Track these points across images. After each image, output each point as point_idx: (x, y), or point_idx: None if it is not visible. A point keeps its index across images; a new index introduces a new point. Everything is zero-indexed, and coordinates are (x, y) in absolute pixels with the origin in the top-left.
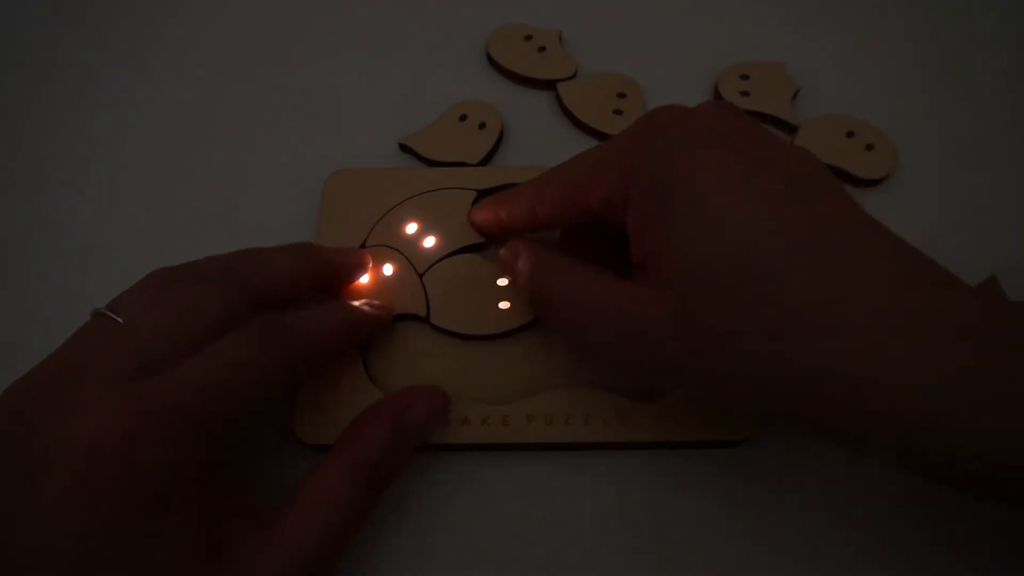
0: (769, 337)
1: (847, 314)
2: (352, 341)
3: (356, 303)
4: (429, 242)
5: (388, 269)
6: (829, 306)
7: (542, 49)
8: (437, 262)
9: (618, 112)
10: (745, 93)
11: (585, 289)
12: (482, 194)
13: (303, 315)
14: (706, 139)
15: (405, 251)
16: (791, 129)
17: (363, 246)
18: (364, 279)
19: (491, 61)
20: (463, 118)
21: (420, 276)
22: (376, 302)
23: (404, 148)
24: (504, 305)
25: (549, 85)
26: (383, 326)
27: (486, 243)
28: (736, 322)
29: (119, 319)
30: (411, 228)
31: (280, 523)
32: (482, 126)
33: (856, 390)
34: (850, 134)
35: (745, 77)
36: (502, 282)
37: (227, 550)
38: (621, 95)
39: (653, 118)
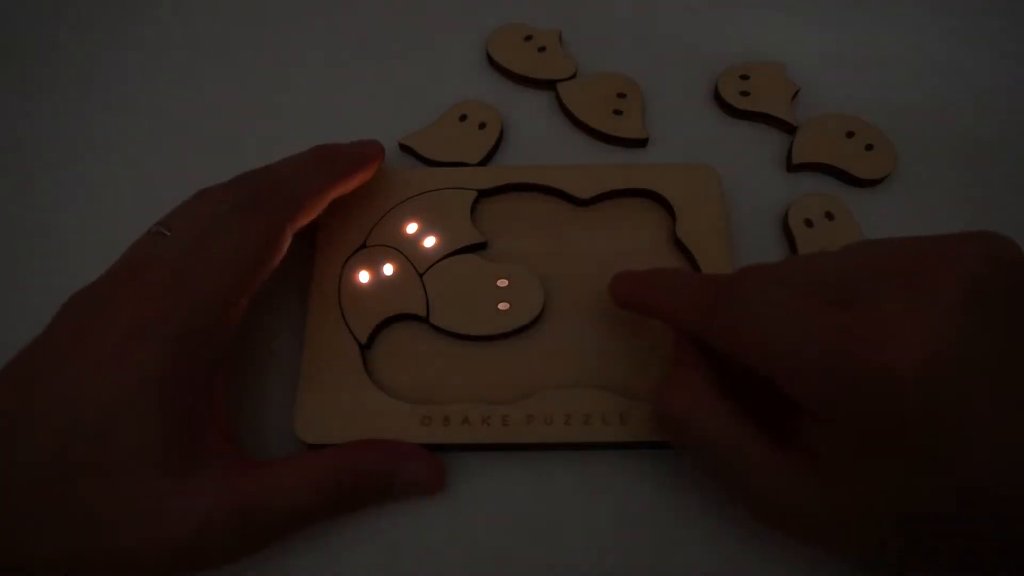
0: None
1: None
2: (338, 175)
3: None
4: (429, 242)
5: (388, 269)
6: None
7: (542, 49)
8: (437, 262)
9: (618, 112)
10: (745, 93)
11: (741, 457)
12: (482, 194)
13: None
14: (960, 398)
15: (405, 251)
16: (791, 129)
17: (363, 246)
18: (364, 278)
19: (491, 61)
20: (463, 118)
21: (420, 276)
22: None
23: (404, 148)
24: (503, 306)
25: (549, 85)
26: (374, 158)
27: (487, 243)
28: None
29: (166, 232)
30: (411, 228)
31: (245, 471)
32: (482, 126)
33: None
34: (850, 134)
35: (745, 77)
36: (502, 283)
37: (191, 462)
38: (621, 95)
39: (890, 365)
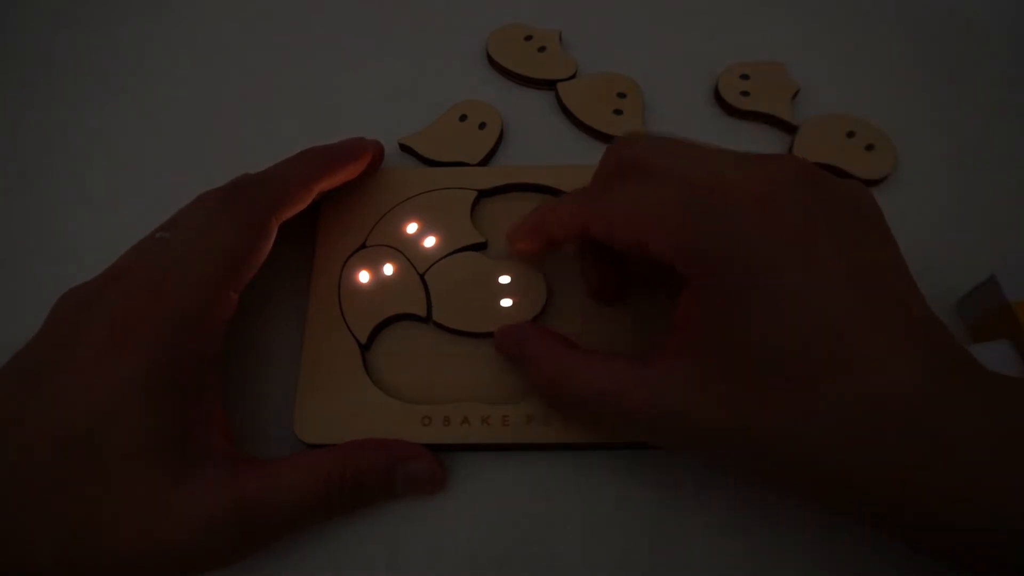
0: (824, 431)
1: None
2: (327, 168)
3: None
4: (429, 242)
5: (388, 269)
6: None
7: (542, 49)
8: (437, 261)
9: (618, 112)
10: (745, 93)
11: (600, 385)
12: (482, 194)
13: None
14: (786, 228)
15: (405, 251)
16: (791, 129)
17: (363, 246)
18: (364, 278)
19: (491, 61)
20: (463, 118)
21: (420, 276)
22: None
23: (404, 148)
24: (506, 302)
25: (549, 85)
26: (362, 153)
27: (487, 243)
28: (791, 410)
29: (167, 236)
30: (411, 228)
31: (245, 469)
32: (482, 126)
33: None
34: (850, 134)
35: (745, 77)
36: (504, 279)
37: (189, 461)
38: (621, 95)
39: (723, 184)
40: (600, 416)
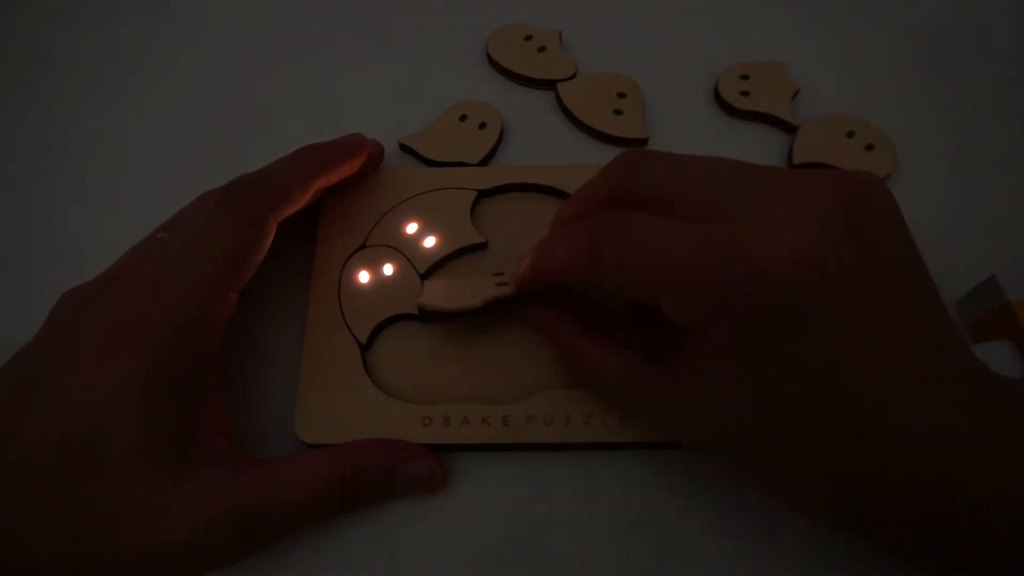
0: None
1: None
2: (324, 166)
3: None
4: (429, 242)
5: (388, 269)
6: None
7: (542, 49)
8: (438, 262)
9: (618, 112)
10: (745, 93)
11: (612, 376)
12: (482, 194)
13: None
14: (822, 287)
15: (405, 251)
16: (791, 129)
17: (363, 246)
18: (364, 278)
19: (491, 61)
20: (463, 118)
21: (421, 276)
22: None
23: (404, 148)
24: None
25: (549, 85)
26: (359, 149)
27: (487, 243)
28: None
29: (166, 236)
30: (411, 228)
31: (245, 470)
32: (482, 126)
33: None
34: (850, 134)
35: (745, 77)
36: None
37: (189, 461)
38: (621, 95)
39: (755, 236)
40: (613, 400)
